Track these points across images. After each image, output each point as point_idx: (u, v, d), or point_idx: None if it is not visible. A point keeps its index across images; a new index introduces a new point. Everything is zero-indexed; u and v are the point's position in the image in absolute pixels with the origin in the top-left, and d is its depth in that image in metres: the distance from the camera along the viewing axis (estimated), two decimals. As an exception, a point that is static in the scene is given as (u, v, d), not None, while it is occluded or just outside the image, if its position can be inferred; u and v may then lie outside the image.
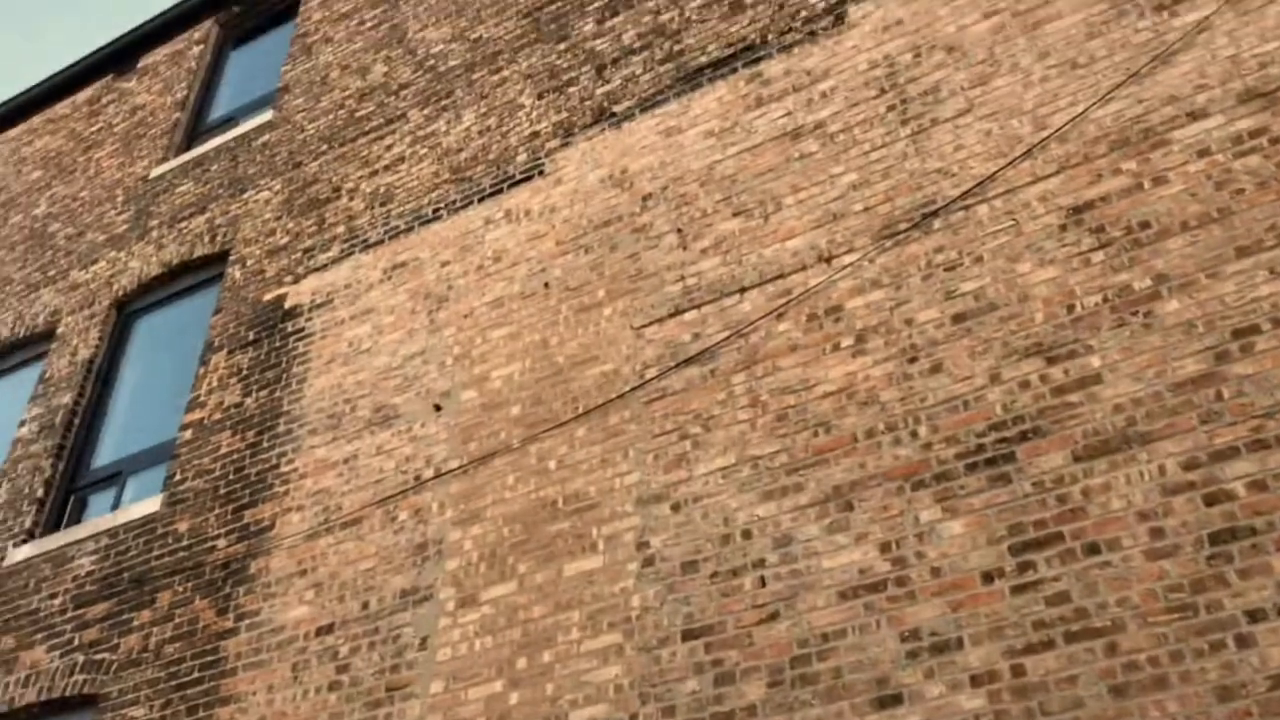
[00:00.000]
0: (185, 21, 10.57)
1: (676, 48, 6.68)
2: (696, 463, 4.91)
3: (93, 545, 6.70)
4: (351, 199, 7.52)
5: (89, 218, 9.36)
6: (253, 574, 5.88)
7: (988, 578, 4.01)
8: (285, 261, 7.47)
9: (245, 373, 6.97)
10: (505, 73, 7.47)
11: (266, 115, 8.82)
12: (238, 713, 5.40)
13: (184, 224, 8.46)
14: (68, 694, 6.07)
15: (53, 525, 7.24)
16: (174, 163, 9.14)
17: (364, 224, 7.27)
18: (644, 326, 5.54)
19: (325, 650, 5.34)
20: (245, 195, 8.25)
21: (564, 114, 6.86)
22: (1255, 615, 3.53)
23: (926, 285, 4.86)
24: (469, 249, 6.60)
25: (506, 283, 6.25)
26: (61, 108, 11.08)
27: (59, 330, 8.49)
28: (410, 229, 6.99)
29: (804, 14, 6.28)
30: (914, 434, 4.47)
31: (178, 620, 5.96)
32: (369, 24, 8.84)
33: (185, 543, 6.29)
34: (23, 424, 7.90)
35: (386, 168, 7.53)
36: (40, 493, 7.33)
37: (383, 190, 7.39)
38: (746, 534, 4.58)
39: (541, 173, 6.65)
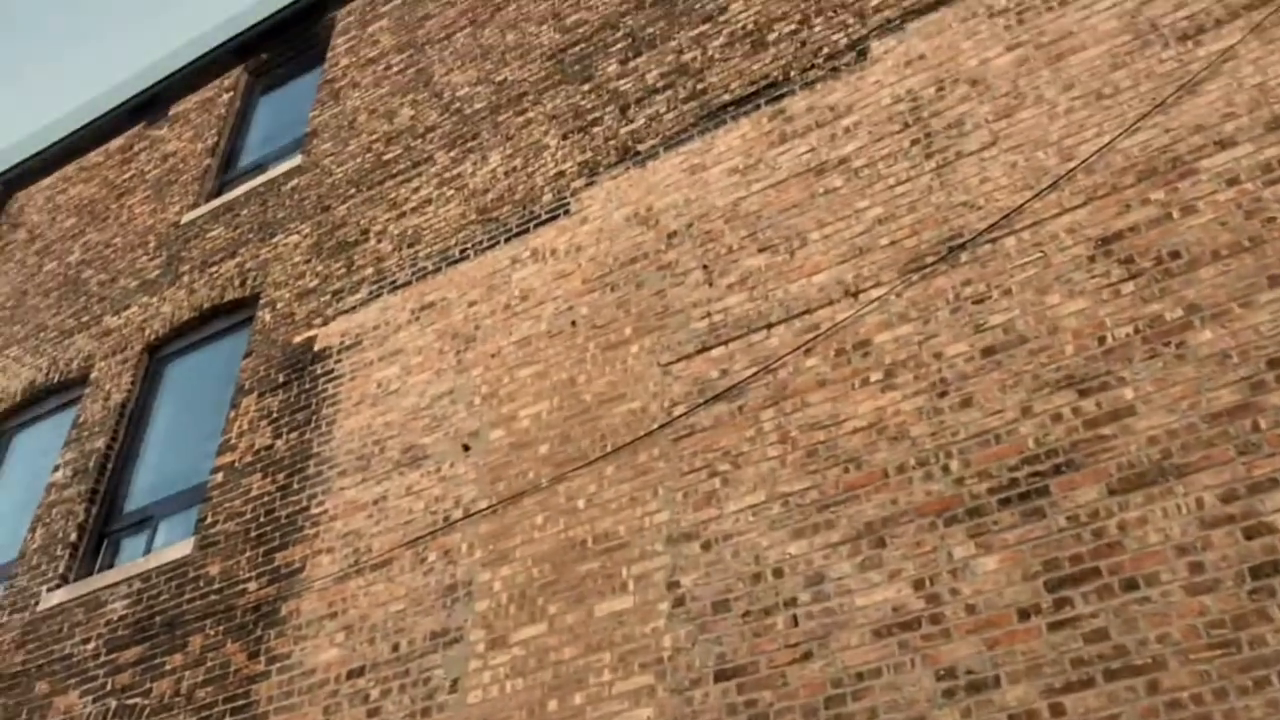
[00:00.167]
0: (215, 69, 10.75)
1: (699, 86, 6.72)
2: (726, 500, 4.88)
3: (125, 589, 6.73)
4: (379, 241, 7.58)
5: (121, 263, 9.49)
6: (283, 616, 5.89)
7: (1024, 614, 3.95)
8: (314, 304, 7.54)
9: (275, 415, 7.01)
10: (530, 114, 7.54)
11: (295, 160, 8.93)
12: (269, 757, 5.38)
13: (215, 268, 8.56)
14: (101, 739, 6.08)
15: (86, 569, 7.29)
16: (205, 208, 9.26)
17: (392, 265, 7.33)
18: (671, 363, 5.54)
19: (356, 693, 5.33)
20: (275, 239, 8.34)
21: (589, 153, 6.91)
22: (1300, 651, 3.46)
23: (955, 319, 4.84)
24: (496, 288, 6.63)
25: (533, 322, 6.27)
26: (94, 155, 11.27)
27: (92, 375, 8.58)
28: (438, 270, 7.04)
29: (826, 50, 6.31)
30: (945, 469, 4.43)
31: (209, 664, 5.96)
32: (395, 69, 8.96)
33: (216, 586, 6.31)
34: (57, 469, 7.97)
35: (414, 209, 7.59)
36: (74, 537, 7.38)
37: (410, 232, 7.45)
38: (778, 572, 4.54)
39: (567, 212, 6.69)
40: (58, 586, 7.14)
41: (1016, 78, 5.46)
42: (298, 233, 8.21)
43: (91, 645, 6.57)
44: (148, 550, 7.15)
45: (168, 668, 6.11)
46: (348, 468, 6.35)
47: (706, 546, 4.79)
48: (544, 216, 6.78)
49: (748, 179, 6.03)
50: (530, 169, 7.15)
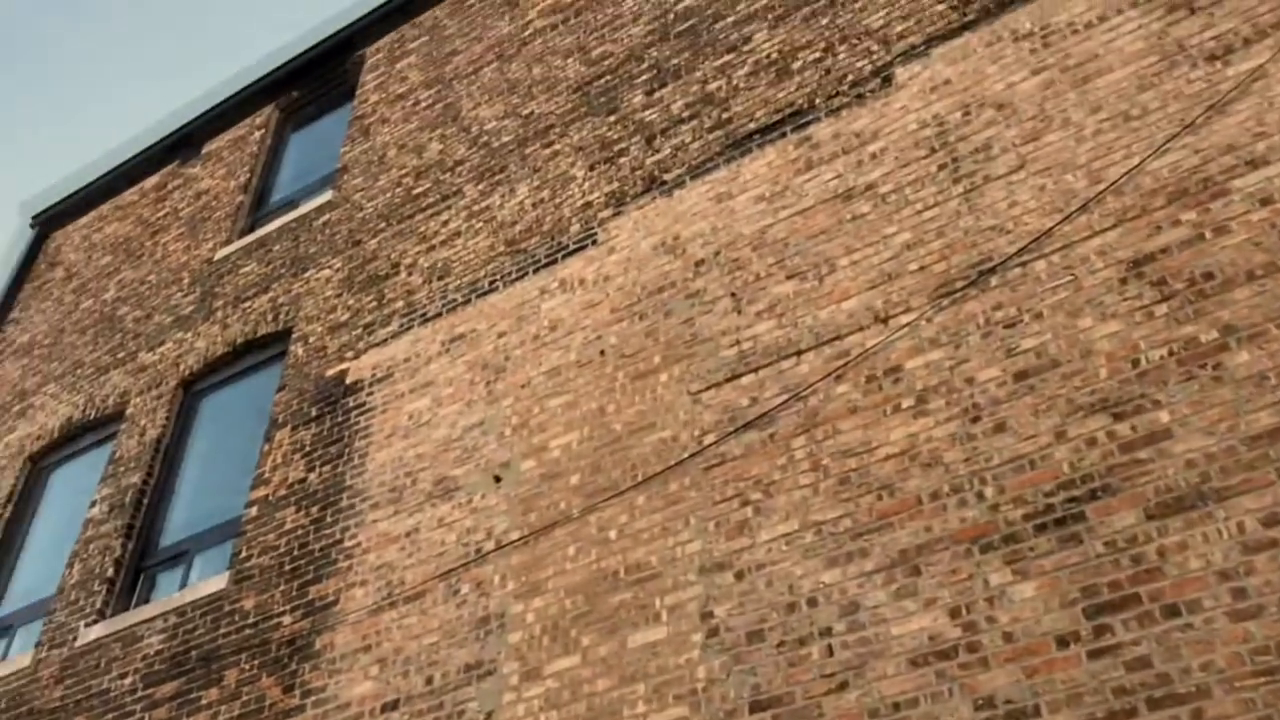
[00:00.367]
0: (247, 108, 10.92)
1: (725, 115, 6.75)
2: (759, 529, 4.86)
3: (161, 624, 6.77)
4: (410, 274, 7.64)
5: (156, 300, 9.61)
6: (318, 650, 5.90)
7: (1063, 642, 3.89)
8: (346, 337, 7.60)
9: (308, 448, 7.05)
10: (557, 146, 7.60)
11: (326, 195, 9.03)
12: (305, 792, 5.37)
13: (248, 303, 8.65)
14: (138, 774, 6.10)
15: (123, 605, 7.34)
16: (238, 244, 9.38)
17: (422, 298, 7.38)
18: (701, 392, 5.53)
19: (390, 727, 5.32)
20: (307, 274, 8.42)
21: (615, 184, 6.95)
22: (1348, 678, 3.39)
23: (986, 343, 4.81)
24: (525, 319, 6.66)
25: (563, 352, 6.29)
26: (129, 194, 11.45)
27: (128, 411, 8.67)
28: (467, 301, 7.08)
29: (851, 78, 6.32)
30: (980, 495, 4.39)
31: (245, 698, 5.98)
32: (424, 104, 9.06)
33: (251, 620, 6.34)
34: (94, 504, 8.05)
35: (443, 242, 7.65)
36: (111, 572, 7.44)
37: (440, 265, 7.51)
38: (812, 601, 4.50)
39: (595, 242, 6.72)
40: (95, 622, 7.20)
41: (1043, 101, 5.45)
42: (329, 267, 8.29)
43: (128, 680, 6.61)
44: (183, 585, 7.19)
45: (203, 702, 6.13)
46: (380, 500, 6.37)
47: (739, 576, 4.76)
48: (572, 247, 6.82)
49: (774, 206, 6.04)
50: (558, 200, 7.20)
